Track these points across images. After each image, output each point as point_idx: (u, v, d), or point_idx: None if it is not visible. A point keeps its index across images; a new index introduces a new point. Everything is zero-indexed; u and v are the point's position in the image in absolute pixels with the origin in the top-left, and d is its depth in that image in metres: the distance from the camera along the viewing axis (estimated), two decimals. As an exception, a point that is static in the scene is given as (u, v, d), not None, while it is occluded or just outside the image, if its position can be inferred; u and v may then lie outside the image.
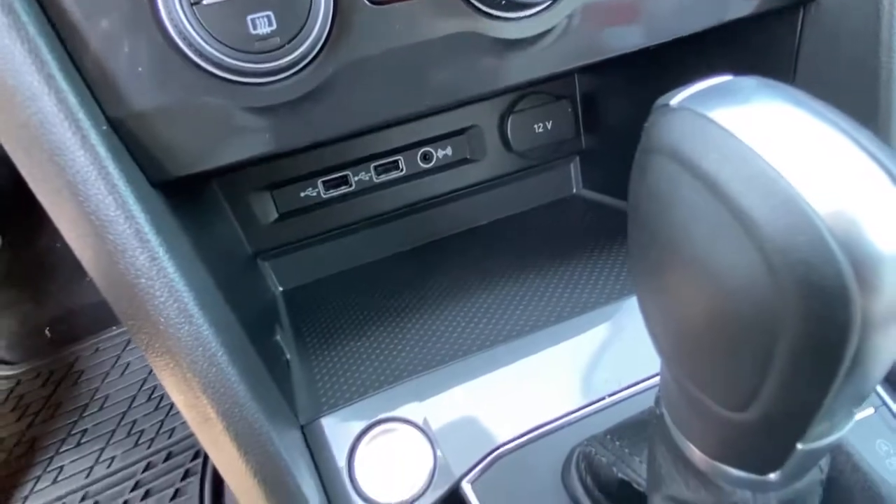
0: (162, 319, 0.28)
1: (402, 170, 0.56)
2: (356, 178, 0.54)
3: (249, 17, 0.28)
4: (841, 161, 0.19)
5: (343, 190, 0.54)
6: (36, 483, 1.03)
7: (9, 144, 0.27)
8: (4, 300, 1.07)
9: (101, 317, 1.20)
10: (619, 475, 0.33)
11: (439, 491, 0.36)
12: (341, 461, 0.37)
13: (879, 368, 0.20)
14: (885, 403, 0.40)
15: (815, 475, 0.26)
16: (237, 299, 0.40)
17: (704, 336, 0.21)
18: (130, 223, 0.29)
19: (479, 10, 0.33)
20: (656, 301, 0.23)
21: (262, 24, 0.28)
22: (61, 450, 1.06)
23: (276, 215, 0.53)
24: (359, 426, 0.38)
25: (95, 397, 1.12)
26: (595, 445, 0.35)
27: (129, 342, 1.17)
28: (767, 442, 0.23)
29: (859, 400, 0.22)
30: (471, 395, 0.40)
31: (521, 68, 0.38)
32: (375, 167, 0.55)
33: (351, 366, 0.45)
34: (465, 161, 0.58)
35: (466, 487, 0.36)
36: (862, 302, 0.18)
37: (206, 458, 1.03)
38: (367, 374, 0.43)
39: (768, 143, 0.19)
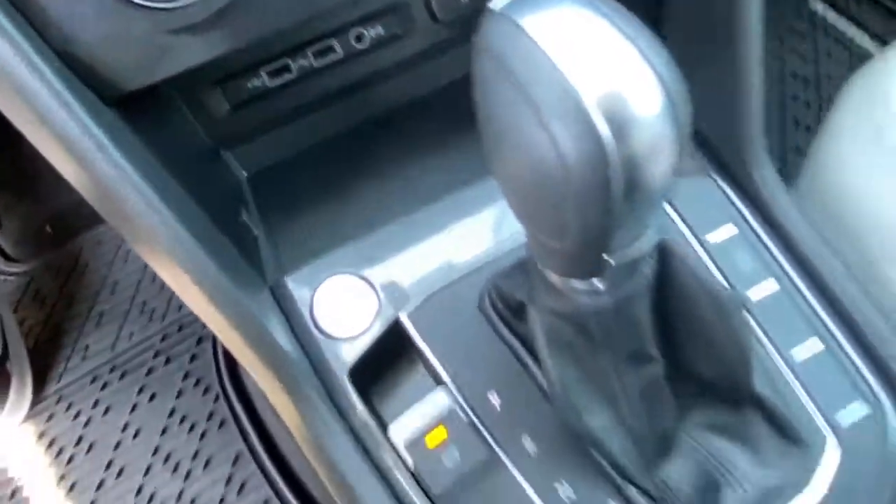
0: (134, 215, 0.36)
1: (338, 52, 0.60)
2: (296, 65, 0.59)
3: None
4: (610, 55, 0.26)
5: (286, 77, 0.59)
6: (68, 361, 1.16)
7: (-18, 86, 0.33)
8: (2, 204, 1.14)
9: (94, 211, 1.27)
10: (518, 297, 0.42)
11: (384, 324, 0.46)
12: (304, 309, 0.46)
13: (646, 203, 0.28)
14: (746, 221, 0.49)
15: (641, 280, 0.35)
16: (201, 189, 0.47)
17: (525, 193, 0.29)
18: (93, 140, 0.35)
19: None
20: (496, 166, 0.30)
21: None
22: (84, 331, 1.19)
23: (228, 107, 0.58)
24: (317, 281, 0.47)
25: (105, 283, 1.22)
26: (500, 279, 0.44)
27: (126, 231, 1.25)
28: (585, 258, 0.31)
29: (642, 227, 0.30)
30: (407, 247, 0.49)
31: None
32: (313, 53, 0.59)
33: (309, 232, 0.53)
34: (396, 37, 0.62)
35: (404, 318, 0.46)
36: (620, 155, 0.26)
37: (214, 325, 1.15)
38: (322, 238, 0.51)
39: (558, 45, 0.26)
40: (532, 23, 0.26)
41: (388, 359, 0.46)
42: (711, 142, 0.50)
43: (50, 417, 1.11)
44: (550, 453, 0.43)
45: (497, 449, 0.43)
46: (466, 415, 0.43)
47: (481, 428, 0.43)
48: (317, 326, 0.46)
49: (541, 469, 0.42)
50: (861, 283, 0.47)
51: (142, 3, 0.35)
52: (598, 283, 0.33)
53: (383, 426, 0.44)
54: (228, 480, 1.03)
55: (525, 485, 0.42)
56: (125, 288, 1.21)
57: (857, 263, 0.53)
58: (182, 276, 0.39)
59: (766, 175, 0.49)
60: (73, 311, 1.20)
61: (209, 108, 0.57)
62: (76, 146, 0.34)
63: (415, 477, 0.42)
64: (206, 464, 1.05)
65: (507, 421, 0.43)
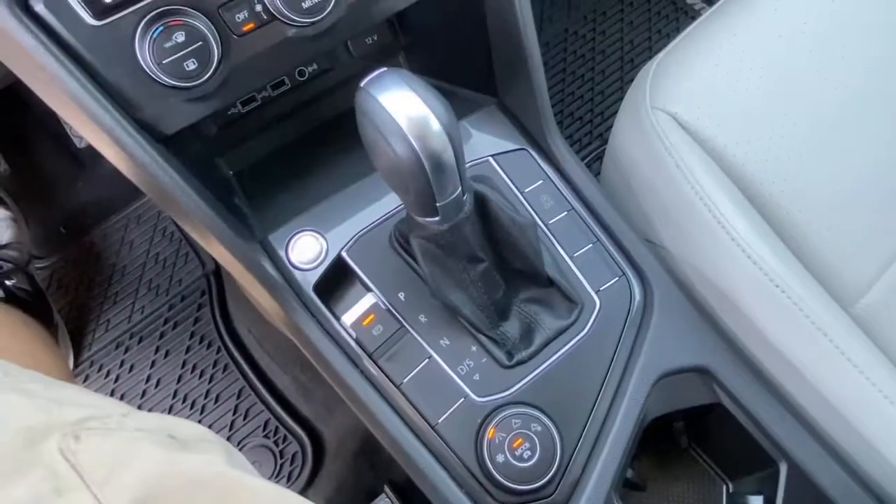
0: (174, 198, 0.63)
1: (287, 84, 0.88)
2: (260, 96, 0.86)
3: (184, 63, 0.61)
4: (415, 108, 0.54)
5: (253, 105, 0.87)
6: (94, 334, 1.43)
7: (94, 141, 0.61)
8: (25, 211, 1.40)
9: (99, 211, 1.53)
10: (406, 233, 0.71)
11: (330, 258, 0.75)
12: (282, 254, 0.75)
13: (446, 174, 0.57)
14: (549, 177, 0.79)
15: (464, 215, 0.64)
16: (207, 183, 0.75)
17: (387, 174, 0.57)
18: (150, 157, 0.63)
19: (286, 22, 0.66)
20: (374, 163, 0.59)
21: (191, 64, 0.61)
22: (104, 309, 1.45)
23: (216, 129, 0.86)
24: (287, 236, 0.76)
25: (116, 269, 1.48)
26: (399, 224, 0.74)
27: (127, 225, 1.52)
28: (423, 204, 0.60)
29: (452, 187, 0.59)
30: (343, 210, 0.78)
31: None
32: (270, 86, 0.87)
33: (281, 205, 0.81)
34: (327, 70, 0.91)
35: (344, 254, 0.75)
36: (424, 152, 0.55)
37: (210, 293, 1.43)
38: (290, 208, 0.80)
39: (392, 105, 0.54)
40: (381, 95, 0.55)
41: (337, 279, 0.76)
42: (528, 130, 0.80)
43: (86, 378, 1.38)
44: (436, 322, 0.73)
45: (404, 322, 0.73)
46: (385, 305, 0.73)
47: (394, 311, 0.73)
48: (291, 263, 0.75)
49: (430, 331, 0.72)
50: (622, 212, 0.78)
51: (172, 84, 0.64)
52: (438, 218, 0.62)
53: (337, 318, 0.74)
54: (235, 410, 1.33)
55: (421, 341, 0.72)
56: (132, 271, 1.48)
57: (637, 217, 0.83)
58: (205, 232, 0.68)
59: (560, 147, 0.79)
60: (92, 293, 1.46)
61: (204, 130, 0.86)
62: (140, 160, 0.62)
63: (357, 342, 0.72)
64: (216, 399, 1.34)
65: (410, 306, 0.73)
